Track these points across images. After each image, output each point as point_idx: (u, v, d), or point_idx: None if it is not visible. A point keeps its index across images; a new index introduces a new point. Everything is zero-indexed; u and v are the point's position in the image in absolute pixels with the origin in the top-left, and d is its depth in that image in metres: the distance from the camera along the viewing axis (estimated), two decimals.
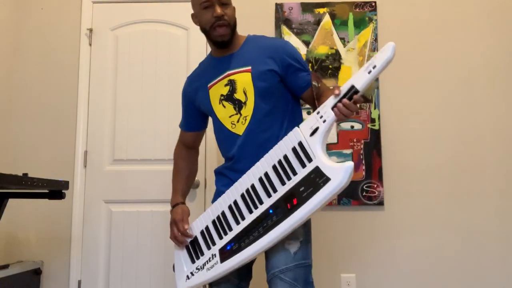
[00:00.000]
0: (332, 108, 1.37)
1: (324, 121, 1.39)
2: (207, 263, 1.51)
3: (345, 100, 1.35)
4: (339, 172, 1.32)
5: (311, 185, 1.35)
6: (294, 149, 1.42)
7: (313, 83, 1.55)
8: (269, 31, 2.70)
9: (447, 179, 2.58)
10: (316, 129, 1.39)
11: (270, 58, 1.60)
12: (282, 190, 1.41)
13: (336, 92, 1.36)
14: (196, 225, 1.60)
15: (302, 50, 2.68)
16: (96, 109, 2.70)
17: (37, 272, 2.46)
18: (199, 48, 2.72)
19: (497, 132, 2.61)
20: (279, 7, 2.72)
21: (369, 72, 1.33)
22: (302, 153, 1.40)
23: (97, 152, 2.67)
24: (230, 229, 1.48)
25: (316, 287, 1.57)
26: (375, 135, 2.60)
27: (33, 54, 2.75)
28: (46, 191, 1.88)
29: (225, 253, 1.47)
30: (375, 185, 2.56)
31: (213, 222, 1.54)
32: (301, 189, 1.37)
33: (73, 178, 2.62)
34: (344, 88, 1.37)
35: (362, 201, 2.55)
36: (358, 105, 1.38)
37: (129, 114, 2.70)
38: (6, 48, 2.69)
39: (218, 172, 1.72)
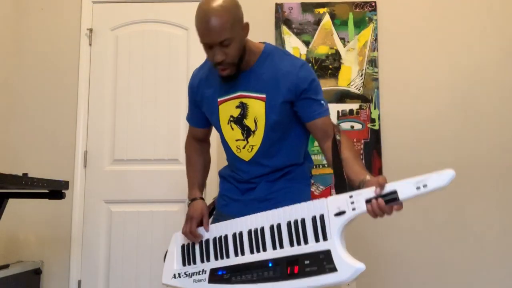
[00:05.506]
0: (366, 202, 1.32)
1: (354, 209, 1.33)
2: (196, 274, 1.51)
3: (381, 201, 1.29)
4: (348, 270, 1.29)
5: (317, 264, 1.33)
6: (314, 219, 1.38)
7: (337, 137, 1.52)
8: (269, 31, 2.70)
9: None
10: (343, 212, 1.35)
11: (284, 85, 1.51)
12: (288, 250, 1.39)
13: (377, 191, 1.30)
14: (199, 232, 1.59)
15: (302, 50, 2.68)
16: (96, 109, 2.70)
17: (37, 272, 2.46)
18: (199, 48, 2.68)
19: (497, 132, 2.61)
20: (279, 7, 2.72)
21: (418, 188, 1.30)
22: (320, 227, 1.36)
23: (97, 152, 2.67)
24: (228, 256, 1.48)
25: None
26: (375, 135, 2.60)
27: (33, 54, 2.75)
28: (46, 191, 1.88)
29: (215, 276, 1.47)
30: None
31: (214, 239, 1.52)
32: (306, 262, 1.34)
33: (73, 178, 2.62)
34: (386, 188, 1.31)
35: None
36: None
37: (129, 114, 2.69)
38: (6, 48, 2.69)
39: (222, 176, 1.70)
